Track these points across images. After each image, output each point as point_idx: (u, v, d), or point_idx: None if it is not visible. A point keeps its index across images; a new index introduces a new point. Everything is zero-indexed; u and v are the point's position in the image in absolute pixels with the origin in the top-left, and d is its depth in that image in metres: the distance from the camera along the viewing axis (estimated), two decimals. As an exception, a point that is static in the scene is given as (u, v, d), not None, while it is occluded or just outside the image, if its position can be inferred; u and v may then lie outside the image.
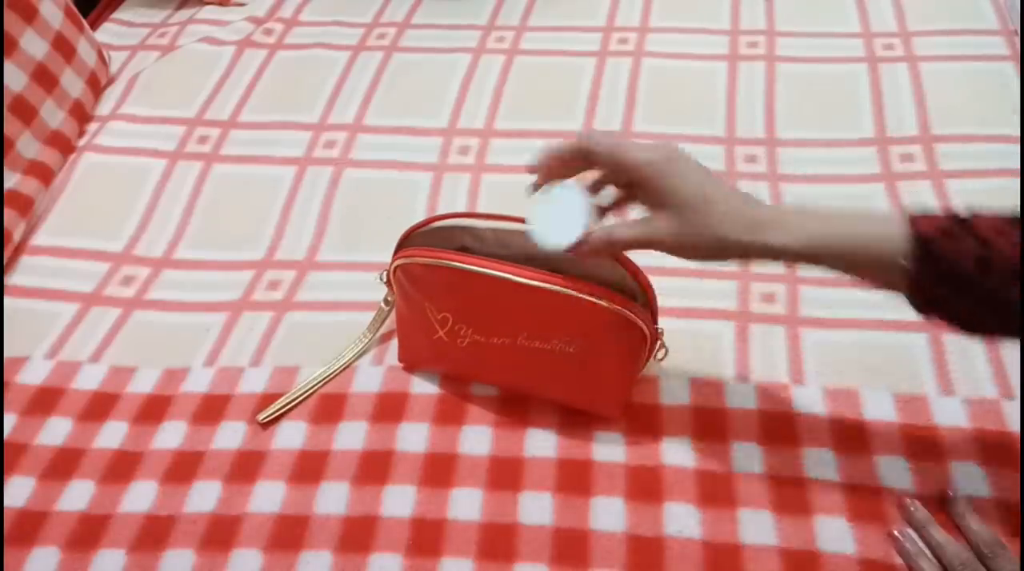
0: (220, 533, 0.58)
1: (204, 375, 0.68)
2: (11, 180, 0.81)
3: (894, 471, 0.58)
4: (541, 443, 0.62)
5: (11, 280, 0.77)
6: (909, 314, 0.68)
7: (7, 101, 0.82)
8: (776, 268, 0.72)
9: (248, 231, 0.81)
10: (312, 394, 0.66)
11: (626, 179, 0.53)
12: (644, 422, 0.62)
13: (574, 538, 0.56)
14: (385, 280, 0.65)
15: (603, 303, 0.55)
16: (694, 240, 0.49)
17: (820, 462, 0.59)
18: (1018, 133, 0.81)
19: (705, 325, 0.68)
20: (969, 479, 0.57)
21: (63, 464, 0.63)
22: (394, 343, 0.68)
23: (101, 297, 0.75)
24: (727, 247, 0.49)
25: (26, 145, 0.84)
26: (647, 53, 0.97)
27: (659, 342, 0.59)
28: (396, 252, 0.62)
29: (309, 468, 0.61)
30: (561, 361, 0.58)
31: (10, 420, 0.65)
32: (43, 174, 0.84)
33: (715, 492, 0.58)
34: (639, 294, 0.57)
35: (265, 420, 0.64)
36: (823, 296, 0.70)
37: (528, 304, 0.56)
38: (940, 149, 0.81)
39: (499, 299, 0.57)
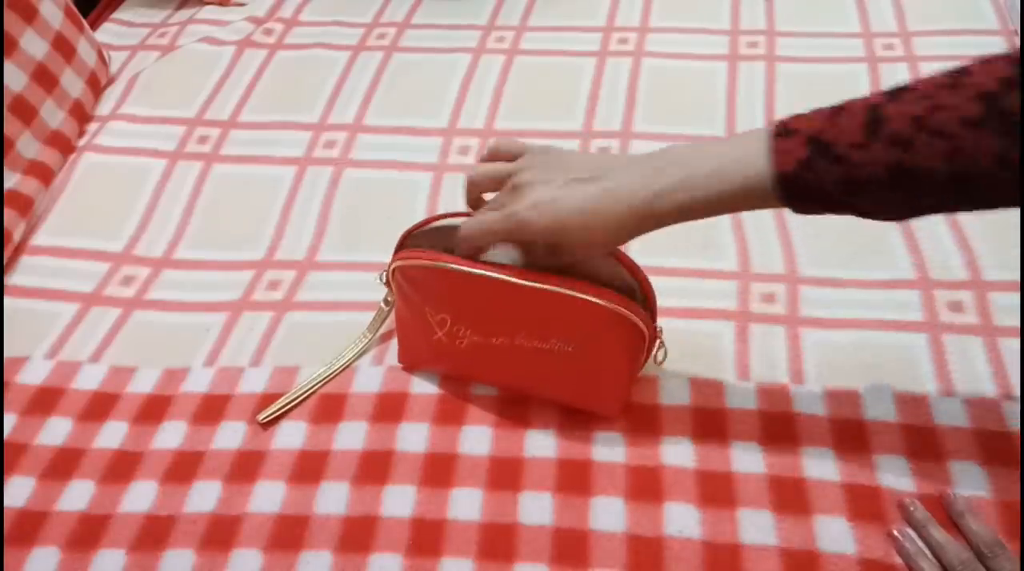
0: (220, 533, 0.58)
1: (204, 375, 0.68)
2: (11, 180, 0.81)
3: (894, 471, 0.58)
4: (541, 443, 0.62)
5: (11, 280, 0.77)
6: (909, 314, 0.68)
7: (7, 101, 0.82)
8: (776, 268, 0.72)
9: (248, 231, 0.81)
10: (312, 394, 0.66)
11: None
12: (644, 422, 0.62)
13: (574, 538, 0.56)
14: (384, 281, 0.65)
15: (601, 302, 0.55)
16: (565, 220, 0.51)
17: (820, 462, 0.59)
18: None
19: (705, 325, 0.68)
20: (969, 479, 0.57)
21: (63, 464, 0.63)
22: (394, 343, 0.68)
23: (101, 297, 0.75)
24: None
25: (26, 145, 0.84)
26: (647, 53, 0.97)
27: (658, 342, 0.59)
28: (396, 253, 0.62)
29: (309, 468, 0.61)
30: (560, 361, 0.58)
31: (10, 420, 0.65)
32: (43, 174, 0.84)
33: (715, 492, 0.58)
34: (637, 293, 0.57)
35: (265, 420, 0.64)
36: (823, 296, 0.70)
37: (526, 304, 0.56)
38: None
39: (497, 300, 0.57)
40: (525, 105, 0.92)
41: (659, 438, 0.61)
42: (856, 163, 0.45)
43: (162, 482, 0.61)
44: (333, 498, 0.59)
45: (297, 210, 0.82)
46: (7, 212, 0.78)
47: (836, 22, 0.99)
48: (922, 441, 0.59)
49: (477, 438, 0.62)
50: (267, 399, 0.65)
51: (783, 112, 0.88)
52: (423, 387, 0.66)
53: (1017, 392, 0.62)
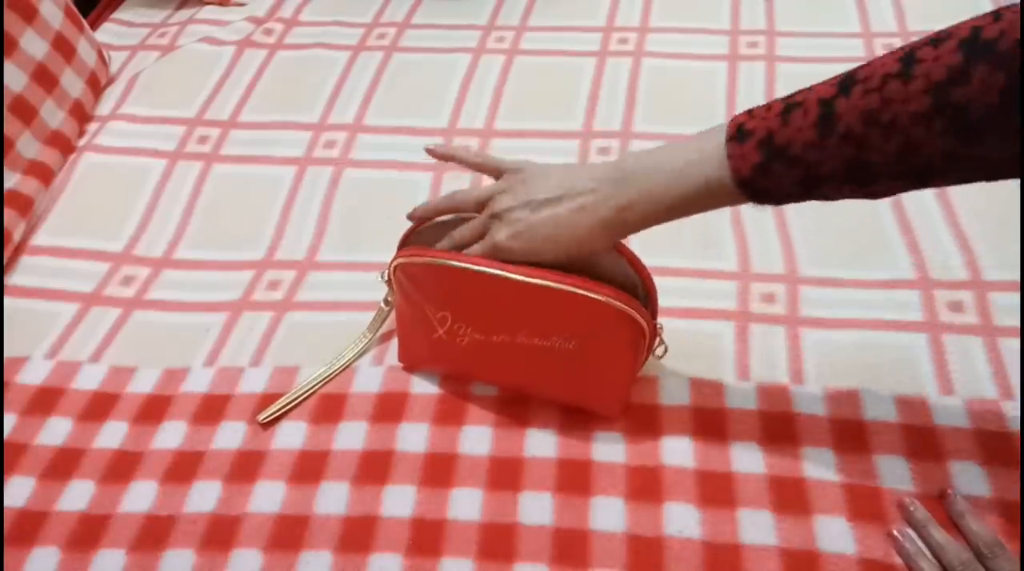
0: (220, 533, 0.58)
1: (204, 375, 0.68)
2: (11, 180, 0.81)
3: (894, 471, 0.58)
4: (541, 443, 0.62)
5: (11, 280, 0.77)
6: (909, 314, 0.68)
7: (7, 101, 0.82)
8: (776, 268, 0.72)
9: (248, 231, 0.81)
10: (312, 394, 0.66)
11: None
12: (644, 422, 0.62)
13: (574, 538, 0.56)
14: (385, 280, 0.65)
15: (602, 299, 0.55)
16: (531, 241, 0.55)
17: (820, 462, 0.59)
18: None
19: (705, 325, 0.68)
20: (969, 479, 0.57)
21: (63, 464, 0.63)
22: (394, 343, 0.68)
23: (101, 297, 0.75)
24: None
25: (26, 145, 0.84)
26: (647, 53, 0.97)
27: (658, 339, 0.59)
28: (398, 251, 0.62)
29: (309, 468, 0.61)
30: (561, 358, 0.58)
31: (10, 420, 0.65)
32: (43, 174, 0.84)
33: (715, 492, 0.58)
34: (639, 290, 0.57)
35: (265, 420, 0.64)
36: (823, 296, 0.70)
37: (527, 301, 0.56)
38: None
39: (498, 297, 0.57)
40: (525, 105, 0.92)
41: (659, 438, 0.61)
42: (812, 163, 0.45)
43: (162, 482, 0.61)
44: (333, 498, 0.59)
45: (297, 210, 0.82)
46: (7, 212, 0.78)
47: (836, 22, 0.99)
48: (922, 441, 0.59)
49: (477, 438, 0.62)
50: (267, 399, 0.65)
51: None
52: (423, 387, 0.66)
53: (1017, 392, 0.62)
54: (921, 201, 0.76)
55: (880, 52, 0.93)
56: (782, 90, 0.90)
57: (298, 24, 1.07)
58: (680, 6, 1.04)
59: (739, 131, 0.48)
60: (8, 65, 0.82)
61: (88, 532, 0.58)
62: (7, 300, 0.75)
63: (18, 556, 0.57)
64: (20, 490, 0.61)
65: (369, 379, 0.67)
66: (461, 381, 0.66)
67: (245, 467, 0.61)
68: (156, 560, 0.57)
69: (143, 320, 0.73)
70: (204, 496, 0.60)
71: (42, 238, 0.81)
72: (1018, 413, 0.60)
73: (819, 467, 0.59)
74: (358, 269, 0.76)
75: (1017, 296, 0.68)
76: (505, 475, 0.60)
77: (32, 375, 0.69)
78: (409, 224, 0.63)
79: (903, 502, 0.56)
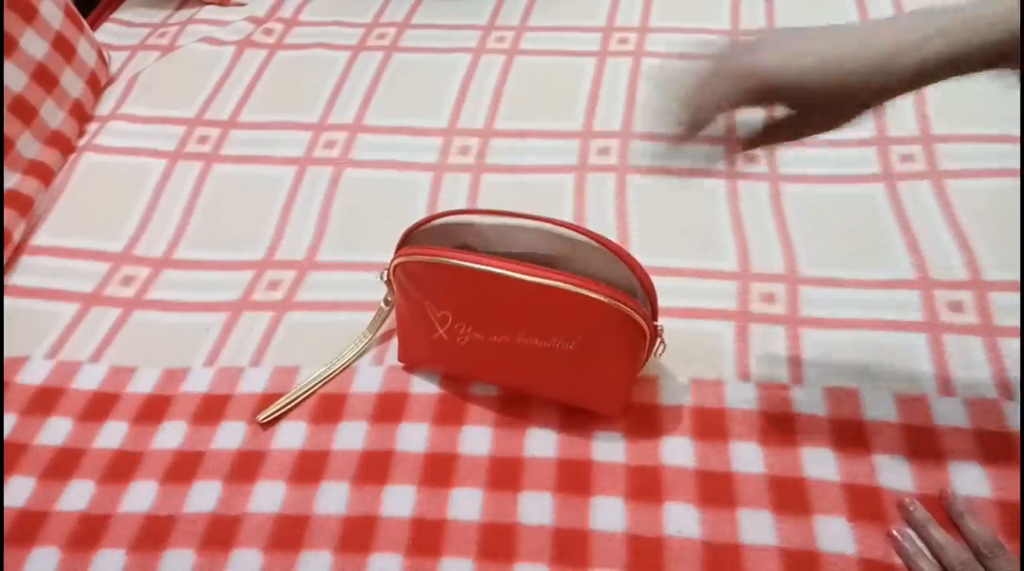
0: (220, 533, 0.58)
1: (204, 375, 0.68)
2: (11, 180, 0.81)
3: (894, 471, 0.58)
4: (541, 443, 0.62)
5: (11, 280, 0.77)
6: (909, 314, 0.68)
7: (7, 101, 0.82)
8: (776, 268, 0.72)
9: (248, 231, 0.81)
10: (312, 394, 0.66)
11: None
12: (644, 422, 0.62)
13: (574, 538, 0.56)
14: (385, 279, 0.65)
15: (602, 299, 0.55)
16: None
17: (820, 462, 0.59)
18: (1018, 133, 0.81)
19: (705, 325, 0.68)
20: (969, 479, 0.57)
21: (63, 464, 0.63)
22: (394, 343, 0.68)
23: (101, 297, 0.75)
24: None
25: (26, 145, 0.84)
26: (647, 53, 0.97)
27: (658, 339, 0.59)
28: (397, 250, 0.62)
29: (309, 468, 0.61)
30: (561, 359, 0.58)
31: (10, 420, 0.65)
32: (43, 174, 0.84)
33: (715, 492, 0.58)
34: (639, 291, 0.57)
35: (265, 420, 0.64)
36: (823, 296, 0.70)
37: (528, 301, 0.56)
38: (940, 149, 0.81)
39: (499, 296, 0.57)
40: (525, 105, 0.92)
41: (659, 438, 0.61)
42: None
43: (162, 482, 0.61)
44: (333, 498, 0.59)
45: (297, 210, 0.82)
46: (7, 212, 0.78)
47: (836, 22, 0.98)
48: (922, 441, 0.59)
49: (477, 438, 0.62)
50: (267, 399, 0.65)
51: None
52: (423, 387, 0.66)
53: (1017, 392, 0.62)
54: (921, 201, 0.76)
55: (880, 52, 0.93)
56: (782, 90, 0.91)
57: (298, 24, 1.07)
58: (680, 6, 1.04)
59: None
60: (8, 65, 0.82)
61: (88, 532, 0.58)
62: (7, 300, 0.75)
63: (18, 556, 0.57)
64: (20, 490, 0.61)
65: (369, 379, 0.67)
66: (461, 381, 0.66)
67: (245, 467, 0.61)
68: (156, 560, 0.57)
69: (143, 320, 0.73)
70: (204, 496, 0.60)
71: (42, 238, 0.81)
72: (1018, 413, 0.60)
73: (819, 467, 0.59)
74: (358, 269, 0.76)
75: (1017, 296, 0.68)
76: (505, 475, 0.60)
77: (32, 375, 0.69)
78: (407, 225, 0.62)
79: (903, 502, 0.56)
